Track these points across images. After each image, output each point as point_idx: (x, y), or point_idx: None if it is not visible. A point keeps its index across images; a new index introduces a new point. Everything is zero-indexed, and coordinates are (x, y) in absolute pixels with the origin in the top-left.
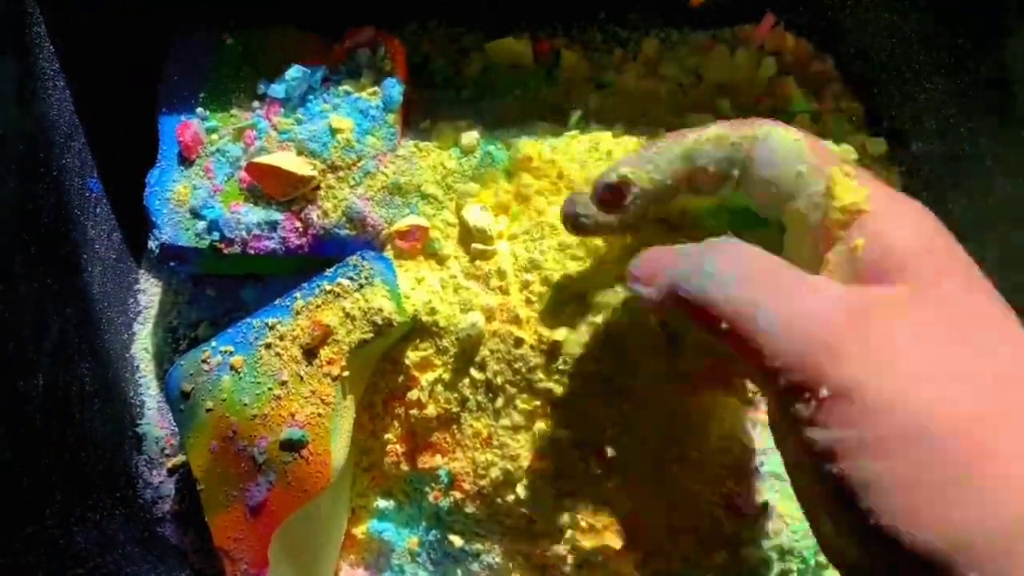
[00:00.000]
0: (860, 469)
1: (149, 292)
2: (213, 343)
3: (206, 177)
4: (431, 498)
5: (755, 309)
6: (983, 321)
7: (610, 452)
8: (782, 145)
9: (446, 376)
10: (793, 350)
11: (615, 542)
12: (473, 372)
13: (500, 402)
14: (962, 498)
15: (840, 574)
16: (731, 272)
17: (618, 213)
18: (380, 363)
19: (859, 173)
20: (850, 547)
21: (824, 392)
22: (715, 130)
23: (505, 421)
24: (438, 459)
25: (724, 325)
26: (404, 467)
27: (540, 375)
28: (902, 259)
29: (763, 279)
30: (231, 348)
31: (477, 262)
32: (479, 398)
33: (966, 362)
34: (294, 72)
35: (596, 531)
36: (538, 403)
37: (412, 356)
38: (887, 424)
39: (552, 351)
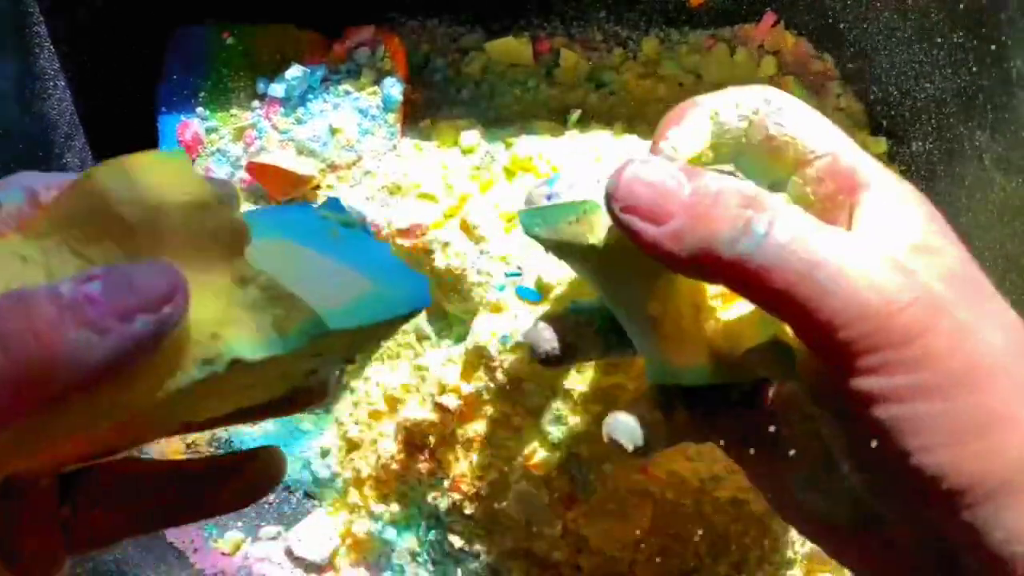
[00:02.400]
0: (912, 413)
1: None
2: None
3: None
4: (430, 498)
5: (815, 270)
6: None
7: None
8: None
9: None
10: (857, 303)
11: (610, 546)
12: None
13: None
14: (1005, 442)
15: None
16: (784, 233)
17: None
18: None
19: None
20: (849, 503)
21: (887, 341)
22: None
23: (505, 423)
24: (437, 459)
25: (779, 287)
26: (404, 467)
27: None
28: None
29: (815, 238)
30: None
31: None
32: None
33: (1001, 310)
34: (294, 71)
35: (592, 536)
36: (535, 407)
37: None
38: (945, 369)
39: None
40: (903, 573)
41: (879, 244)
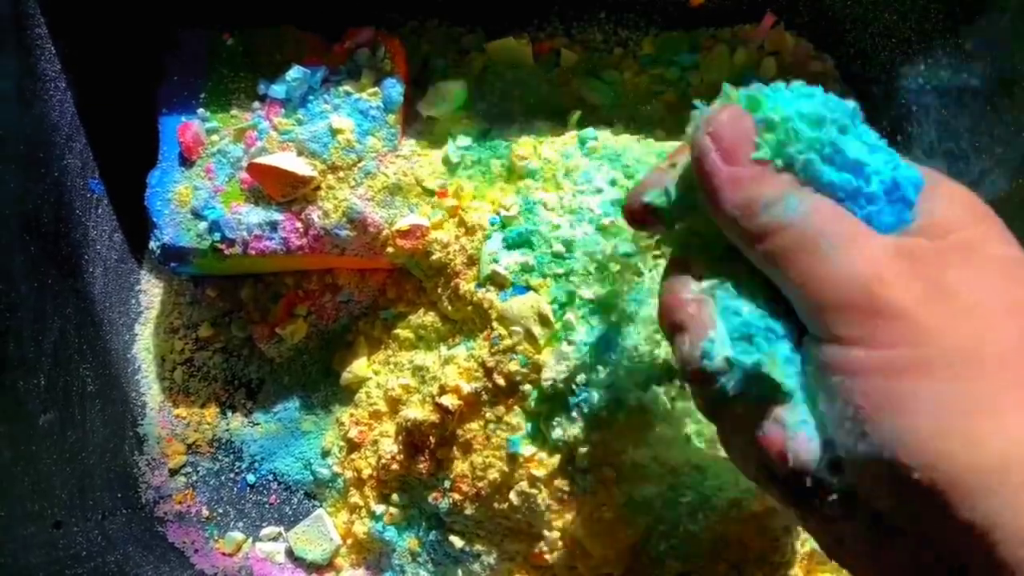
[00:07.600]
0: (896, 388)
1: (150, 293)
2: None
3: (207, 178)
4: (431, 499)
5: (820, 240)
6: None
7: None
8: None
9: None
10: (851, 275)
11: (609, 548)
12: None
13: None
14: (990, 428)
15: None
16: (808, 208)
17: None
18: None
19: None
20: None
21: (878, 312)
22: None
23: (504, 423)
24: (437, 460)
25: (783, 246)
26: (405, 468)
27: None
28: (947, 223)
29: (833, 219)
30: None
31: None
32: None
33: (1017, 301)
34: (294, 73)
35: (590, 537)
36: (535, 409)
37: None
38: (937, 346)
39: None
40: None
41: (895, 237)
